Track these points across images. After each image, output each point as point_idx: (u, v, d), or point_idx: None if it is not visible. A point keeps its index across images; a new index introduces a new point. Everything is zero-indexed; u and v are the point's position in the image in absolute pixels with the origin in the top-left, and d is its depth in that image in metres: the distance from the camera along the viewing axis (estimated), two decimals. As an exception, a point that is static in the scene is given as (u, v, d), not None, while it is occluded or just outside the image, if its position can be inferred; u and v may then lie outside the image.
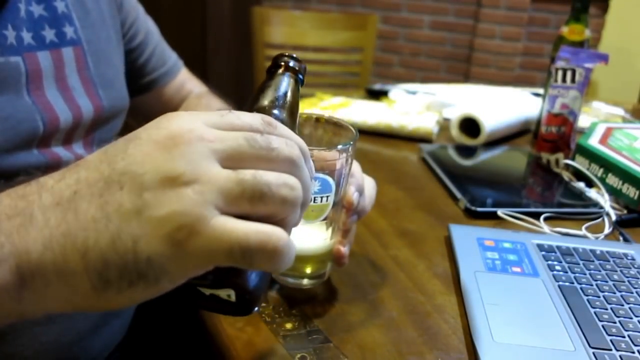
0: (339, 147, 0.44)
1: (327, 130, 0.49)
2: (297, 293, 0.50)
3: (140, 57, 0.71)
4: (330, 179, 0.45)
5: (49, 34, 0.53)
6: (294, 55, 0.42)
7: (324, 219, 0.47)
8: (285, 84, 0.41)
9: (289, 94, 0.40)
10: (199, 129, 0.29)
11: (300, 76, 0.42)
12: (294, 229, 0.33)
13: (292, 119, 0.39)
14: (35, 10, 0.52)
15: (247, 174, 0.29)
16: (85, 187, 0.29)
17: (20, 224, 0.28)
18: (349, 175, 0.47)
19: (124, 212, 0.27)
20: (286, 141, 0.31)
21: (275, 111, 0.38)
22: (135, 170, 0.28)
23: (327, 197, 0.46)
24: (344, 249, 0.49)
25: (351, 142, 0.45)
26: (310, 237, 0.48)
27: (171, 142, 0.28)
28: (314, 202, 0.46)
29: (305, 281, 0.51)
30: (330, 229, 0.48)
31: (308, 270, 0.50)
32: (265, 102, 0.39)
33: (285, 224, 0.30)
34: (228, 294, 0.32)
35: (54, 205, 0.28)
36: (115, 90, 0.61)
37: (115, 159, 0.29)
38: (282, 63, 0.41)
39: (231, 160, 0.29)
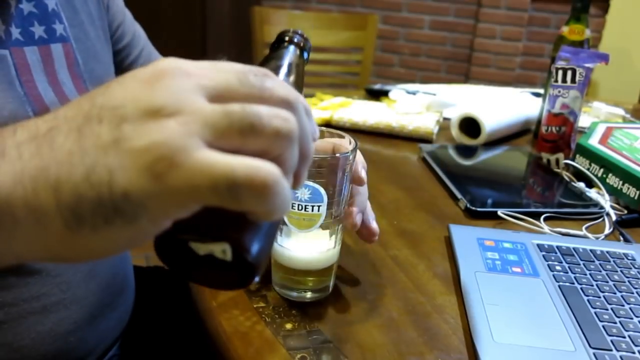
0: (337, 155, 0.44)
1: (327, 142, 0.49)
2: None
3: (127, 59, 0.72)
4: (321, 189, 0.44)
5: (38, 30, 0.54)
6: (299, 31, 0.39)
7: (324, 228, 0.47)
8: (289, 56, 0.38)
9: (293, 66, 0.38)
10: (187, 66, 0.28)
11: (305, 53, 0.40)
12: (295, 241, 0.32)
13: (299, 90, 0.37)
14: (25, 7, 0.53)
15: (236, 106, 0.27)
16: (62, 122, 0.27)
17: None
18: (349, 188, 0.47)
19: (101, 144, 0.26)
20: (282, 84, 0.29)
21: (283, 78, 0.36)
22: (115, 104, 0.26)
23: (319, 206, 0.45)
24: (357, 219, 0.48)
25: (348, 152, 0.45)
26: (312, 247, 0.48)
27: (155, 77, 0.27)
28: (305, 210, 0.45)
29: (309, 295, 0.50)
30: (332, 239, 0.48)
31: (311, 283, 0.49)
32: (272, 70, 0.36)
33: (281, 162, 0.27)
34: (223, 249, 0.28)
35: (28, 140, 0.27)
36: None
37: (95, 95, 0.27)
38: (287, 38, 0.39)
39: (220, 97, 0.27)
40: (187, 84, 0.27)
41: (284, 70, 0.37)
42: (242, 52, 2.47)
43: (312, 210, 0.45)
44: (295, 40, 0.39)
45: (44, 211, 0.26)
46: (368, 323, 0.47)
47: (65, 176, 0.26)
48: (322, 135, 0.49)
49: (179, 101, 0.26)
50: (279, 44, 0.39)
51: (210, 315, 0.47)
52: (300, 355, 0.42)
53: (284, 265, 0.49)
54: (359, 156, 0.49)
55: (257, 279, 0.31)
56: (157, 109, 0.26)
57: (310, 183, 0.44)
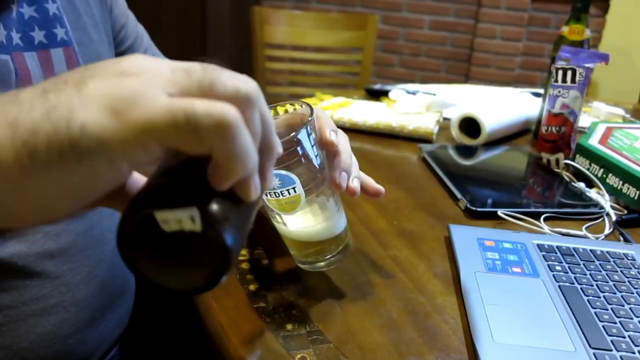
0: (292, 135, 0.43)
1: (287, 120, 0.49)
2: (297, 294, 0.50)
3: None
4: (285, 173, 0.44)
5: (38, 35, 0.53)
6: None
7: (313, 201, 0.47)
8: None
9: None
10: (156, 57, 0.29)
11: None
12: (300, 218, 0.32)
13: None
14: (25, 12, 0.52)
15: (197, 69, 0.28)
16: (30, 88, 0.27)
17: None
18: (321, 155, 0.47)
19: (64, 92, 0.26)
20: (241, 77, 0.30)
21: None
22: (84, 72, 0.28)
23: (294, 188, 0.45)
24: (342, 180, 0.47)
25: (305, 127, 0.44)
26: (317, 218, 0.48)
27: (123, 58, 0.28)
28: (282, 195, 0.46)
29: (334, 258, 0.50)
30: (332, 204, 0.48)
31: (334, 246, 0.50)
32: None
33: (245, 119, 0.28)
34: (191, 215, 0.27)
35: None
36: None
37: (67, 72, 0.29)
38: None
39: (182, 72, 0.28)
40: (153, 60, 0.28)
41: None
42: (242, 52, 2.47)
43: (290, 194, 0.45)
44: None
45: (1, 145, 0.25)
46: (368, 323, 0.47)
47: (25, 114, 0.26)
48: (275, 112, 0.48)
49: (144, 66, 0.27)
50: None
51: (210, 316, 0.47)
52: (300, 355, 0.42)
53: (303, 241, 0.50)
54: (325, 119, 0.48)
55: (225, 275, 0.29)
56: (122, 70, 0.27)
57: (275, 171, 0.44)
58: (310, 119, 0.45)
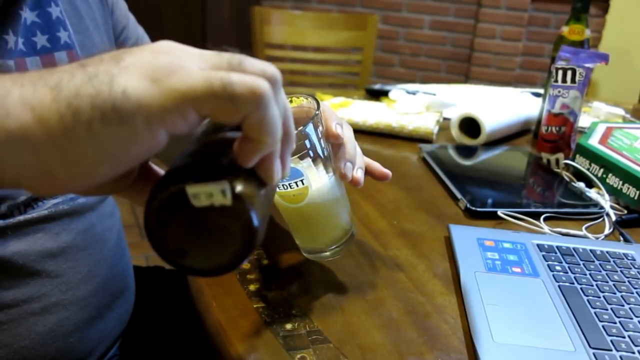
0: (300, 129, 0.45)
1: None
2: (297, 294, 0.50)
3: None
4: (293, 166, 0.46)
5: (41, 40, 0.54)
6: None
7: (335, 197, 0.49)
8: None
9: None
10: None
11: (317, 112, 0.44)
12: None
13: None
14: (28, 17, 0.53)
15: (226, 54, 0.30)
16: (66, 65, 0.29)
17: None
18: (328, 148, 0.48)
19: (102, 64, 0.28)
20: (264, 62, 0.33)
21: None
22: (114, 52, 0.29)
23: (302, 180, 0.47)
24: (347, 170, 0.48)
25: (312, 120, 0.45)
26: (319, 210, 0.49)
27: (154, 44, 0.31)
28: (290, 188, 0.47)
29: (339, 248, 0.52)
30: (334, 200, 0.50)
31: (338, 232, 0.51)
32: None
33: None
34: (223, 189, 0.28)
35: (32, 72, 0.28)
36: None
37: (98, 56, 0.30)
38: None
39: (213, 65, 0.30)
40: (181, 44, 0.31)
41: None
42: (242, 52, 2.47)
43: (298, 186, 0.47)
44: None
45: (41, 105, 0.26)
46: (368, 323, 0.47)
47: (67, 79, 0.27)
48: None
49: (175, 48, 0.30)
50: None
51: (210, 316, 0.47)
52: (300, 355, 0.42)
53: (311, 230, 0.51)
54: (330, 112, 0.49)
55: (249, 254, 0.30)
56: (156, 50, 0.29)
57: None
58: (317, 112, 0.46)
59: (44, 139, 0.26)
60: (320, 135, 0.47)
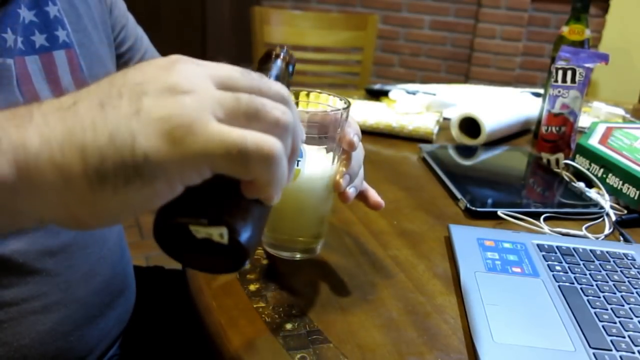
0: (328, 110, 0.48)
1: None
2: (297, 294, 0.50)
3: (130, 62, 0.71)
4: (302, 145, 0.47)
5: (39, 39, 0.54)
6: (285, 48, 0.44)
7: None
8: (276, 69, 0.42)
9: (280, 78, 0.42)
10: (195, 60, 0.32)
11: (291, 67, 0.44)
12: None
13: None
14: (26, 16, 0.53)
15: (244, 94, 0.30)
16: (85, 98, 0.29)
17: (18, 124, 0.29)
18: (338, 150, 0.50)
19: (123, 113, 0.28)
20: (277, 83, 0.33)
21: None
22: (135, 81, 0.29)
23: (298, 161, 0.47)
24: (343, 181, 0.50)
25: (339, 109, 0.48)
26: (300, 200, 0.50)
27: (170, 63, 0.30)
28: None
29: (298, 255, 0.53)
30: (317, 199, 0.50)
31: (301, 238, 0.53)
32: None
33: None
34: (221, 232, 0.31)
35: (53, 111, 0.29)
36: None
37: (115, 78, 0.30)
38: (274, 54, 0.43)
39: (225, 86, 0.31)
40: (199, 70, 0.31)
41: (272, 79, 0.40)
42: (242, 52, 2.47)
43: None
44: (282, 55, 0.43)
45: (70, 171, 0.28)
46: (368, 323, 0.47)
47: (91, 139, 0.28)
48: (317, 98, 0.51)
49: (193, 82, 0.29)
50: (267, 59, 0.43)
51: (210, 315, 0.47)
52: (300, 355, 0.42)
53: (283, 219, 0.52)
54: (353, 124, 0.51)
55: (247, 264, 0.35)
56: (174, 86, 0.29)
57: None
58: (346, 107, 0.48)
59: (70, 196, 0.28)
60: (339, 132, 0.48)
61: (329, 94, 0.51)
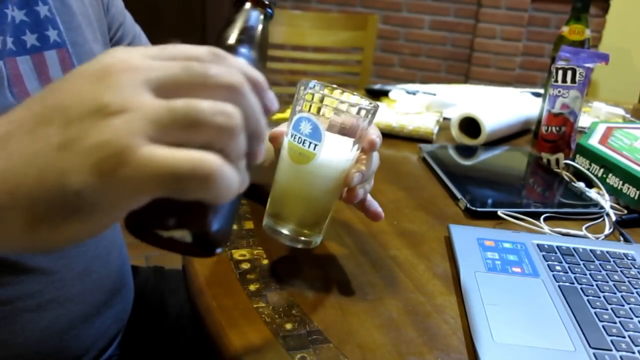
0: (360, 109, 0.48)
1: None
2: (297, 294, 0.50)
3: None
4: (321, 127, 0.47)
5: (30, 39, 0.53)
6: None
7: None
8: (251, 18, 0.39)
9: (254, 29, 0.38)
10: (133, 59, 0.29)
11: (269, 10, 0.40)
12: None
13: (259, 54, 0.38)
14: (16, 16, 0.52)
15: (179, 102, 0.27)
16: (16, 126, 0.28)
17: None
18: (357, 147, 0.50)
19: (51, 146, 0.27)
20: (228, 69, 0.30)
21: (241, 48, 0.36)
22: (63, 104, 0.28)
23: (315, 145, 0.47)
24: (355, 177, 0.49)
25: (370, 107, 0.49)
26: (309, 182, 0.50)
27: (102, 73, 0.28)
28: (303, 144, 0.47)
29: (300, 245, 0.51)
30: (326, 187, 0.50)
31: (299, 224, 0.51)
32: (228, 39, 0.37)
33: (226, 154, 0.28)
34: (183, 234, 0.31)
35: None
36: None
37: (46, 95, 0.29)
38: None
39: (165, 89, 0.28)
40: (132, 78, 0.28)
41: (246, 37, 0.37)
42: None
43: (307, 147, 0.47)
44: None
45: (4, 212, 0.27)
46: (368, 323, 0.47)
47: (21, 180, 0.27)
48: (348, 97, 0.51)
49: (124, 98, 0.27)
50: (239, 3, 0.40)
51: (210, 315, 0.47)
52: (300, 355, 0.42)
53: (288, 198, 0.51)
54: (374, 128, 0.51)
55: (219, 250, 0.34)
56: (102, 107, 0.27)
57: (314, 119, 0.47)
58: (376, 105, 0.49)
59: (8, 235, 0.28)
60: (362, 130, 0.49)
61: (361, 96, 0.51)
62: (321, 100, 0.48)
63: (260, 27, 0.39)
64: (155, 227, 0.31)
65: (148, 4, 2.33)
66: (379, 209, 0.53)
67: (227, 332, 0.45)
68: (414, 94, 1.16)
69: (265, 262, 0.55)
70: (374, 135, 0.50)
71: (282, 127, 0.52)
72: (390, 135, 0.96)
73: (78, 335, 0.59)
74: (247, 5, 0.40)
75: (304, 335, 0.45)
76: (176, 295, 0.77)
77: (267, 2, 0.40)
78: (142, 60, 0.29)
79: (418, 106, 1.04)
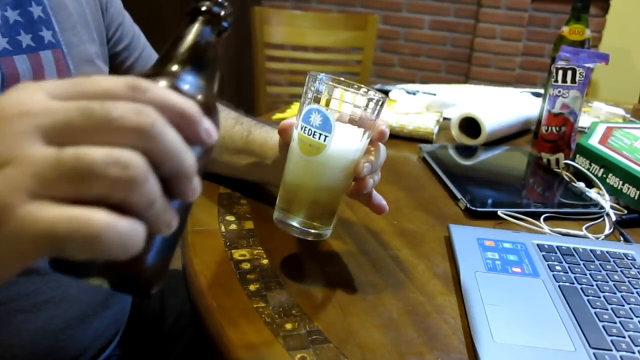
0: (369, 100, 0.48)
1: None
2: (297, 294, 0.50)
3: (127, 61, 0.71)
4: (332, 118, 0.47)
5: (25, 39, 0.53)
6: (217, 2, 0.36)
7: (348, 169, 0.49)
8: (200, 35, 0.35)
9: (202, 49, 0.35)
10: (29, 102, 0.26)
11: (225, 23, 0.36)
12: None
13: (206, 77, 0.34)
14: (10, 16, 0.52)
15: (69, 152, 0.25)
16: None
17: None
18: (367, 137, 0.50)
19: None
20: (137, 108, 0.26)
21: (182, 72, 0.33)
22: None
23: (325, 136, 0.47)
24: (365, 167, 0.49)
25: (379, 101, 0.49)
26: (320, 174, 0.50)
27: None
28: (313, 136, 0.48)
29: (311, 237, 0.51)
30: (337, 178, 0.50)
31: (309, 216, 0.51)
32: (169, 60, 0.33)
33: (127, 206, 0.26)
34: (99, 283, 0.28)
35: None
36: None
37: None
38: (202, 8, 0.35)
39: (60, 136, 0.26)
40: (23, 125, 0.25)
41: (183, 59, 0.33)
42: (242, 52, 2.47)
43: (317, 139, 0.48)
44: (212, 10, 0.35)
45: None
46: (368, 323, 0.47)
47: None
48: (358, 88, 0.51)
49: (10, 151, 0.25)
50: (192, 15, 0.35)
51: (210, 315, 0.47)
52: (300, 355, 0.42)
53: (299, 190, 0.51)
54: (382, 121, 0.52)
55: (152, 290, 0.31)
56: None
57: (324, 110, 0.47)
58: (384, 98, 0.49)
59: None
60: (374, 119, 0.49)
61: (369, 88, 0.51)
62: (330, 92, 0.48)
63: (210, 45, 0.35)
64: (71, 271, 0.28)
65: (148, 4, 2.33)
66: (383, 202, 0.54)
67: (227, 332, 0.45)
68: (414, 94, 1.16)
69: (265, 262, 0.55)
70: (383, 125, 0.50)
71: (292, 119, 0.52)
72: (390, 135, 0.96)
73: (74, 335, 0.59)
74: (199, 19, 0.35)
75: (304, 335, 0.45)
76: (176, 295, 0.77)
77: (222, 15, 0.36)
78: (40, 103, 0.26)
79: (418, 106, 1.04)
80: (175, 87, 0.31)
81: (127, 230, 0.25)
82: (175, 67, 0.33)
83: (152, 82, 0.29)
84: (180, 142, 0.28)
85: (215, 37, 0.36)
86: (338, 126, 0.48)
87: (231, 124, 0.64)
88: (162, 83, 0.31)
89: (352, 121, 0.48)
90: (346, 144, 0.49)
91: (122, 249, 0.25)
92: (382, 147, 0.52)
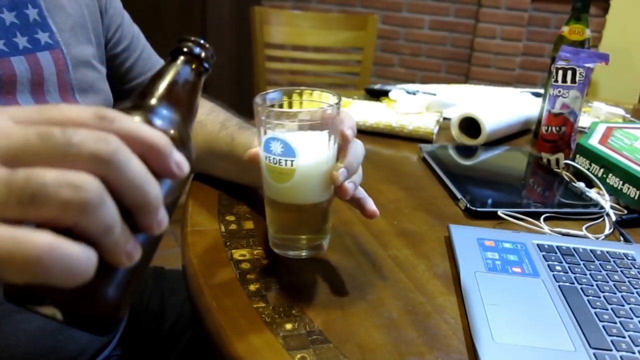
0: (325, 107, 0.48)
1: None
2: (297, 294, 0.50)
3: (127, 62, 0.71)
4: (292, 145, 0.46)
5: (22, 41, 0.54)
6: (200, 41, 0.37)
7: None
8: (181, 74, 0.36)
9: (182, 87, 0.36)
10: None
11: (206, 64, 0.38)
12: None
13: (182, 114, 0.35)
14: (6, 18, 0.53)
15: (19, 174, 0.24)
16: None
17: None
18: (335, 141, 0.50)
19: None
20: (98, 136, 0.26)
21: (159, 107, 0.34)
22: None
23: (292, 161, 0.47)
24: (340, 175, 0.48)
25: (335, 104, 0.48)
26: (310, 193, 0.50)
27: None
28: (279, 164, 0.47)
29: (304, 253, 0.54)
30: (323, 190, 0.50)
31: (305, 236, 0.53)
32: (148, 95, 0.34)
33: (80, 230, 0.25)
34: (53, 313, 0.27)
35: None
36: (96, 95, 0.62)
37: None
38: (183, 49, 0.37)
39: (18, 159, 0.25)
40: None
41: (161, 95, 0.34)
42: (242, 52, 2.47)
43: (285, 165, 0.47)
44: (194, 52, 0.37)
45: None
46: (368, 323, 0.47)
47: None
48: (310, 96, 0.51)
49: None
50: (175, 55, 0.37)
51: (210, 315, 0.47)
52: (300, 355, 0.42)
53: (286, 217, 0.52)
54: (347, 119, 0.50)
55: (112, 327, 0.29)
56: None
57: (282, 137, 0.46)
58: (338, 103, 0.48)
59: None
60: (335, 116, 0.48)
61: (322, 91, 0.51)
62: (280, 114, 0.48)
63: (188, 83, 0.36)
64: (22, 300, 0.27)
65: (148, 4, 2.33)
66: (374, 208, 0.52)
67: (227, 332, 0.45)
68: (414, 94, 1.16)
69: (265, 262, 0.55)
70: (346, 126, 0.48)
71: (257, 147, 0.50)
72: (390, 135, 0.96)
73: (72, 335, 0.59)
74: (181, 58, 0.37)
75: (304, 335, 0.45)
76: (176, 295, 0.77)
77: (203, 56, 0.37)
78: (0, 127, 0.26)
79: (418, 106, 1.04)
80: (148, 120, 0.32)
81: (75, 255, 0.24)
82: (151, 102, 0.34)
83: (122, 114, 0.28)
84: (145, 173, 0.27)
85: (195, 76, 0.37)
86: (301, 143, 0.47)
87: (217, 130, 0.64)
88: (136, 116, 0.32)
89: (313, 126, 0.47)
90: (315, 157, 0.48)
91: (67, 274, 0.24)
92: (356, 142, 0.50)
